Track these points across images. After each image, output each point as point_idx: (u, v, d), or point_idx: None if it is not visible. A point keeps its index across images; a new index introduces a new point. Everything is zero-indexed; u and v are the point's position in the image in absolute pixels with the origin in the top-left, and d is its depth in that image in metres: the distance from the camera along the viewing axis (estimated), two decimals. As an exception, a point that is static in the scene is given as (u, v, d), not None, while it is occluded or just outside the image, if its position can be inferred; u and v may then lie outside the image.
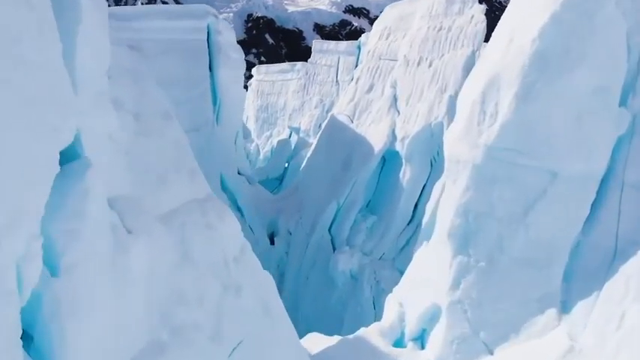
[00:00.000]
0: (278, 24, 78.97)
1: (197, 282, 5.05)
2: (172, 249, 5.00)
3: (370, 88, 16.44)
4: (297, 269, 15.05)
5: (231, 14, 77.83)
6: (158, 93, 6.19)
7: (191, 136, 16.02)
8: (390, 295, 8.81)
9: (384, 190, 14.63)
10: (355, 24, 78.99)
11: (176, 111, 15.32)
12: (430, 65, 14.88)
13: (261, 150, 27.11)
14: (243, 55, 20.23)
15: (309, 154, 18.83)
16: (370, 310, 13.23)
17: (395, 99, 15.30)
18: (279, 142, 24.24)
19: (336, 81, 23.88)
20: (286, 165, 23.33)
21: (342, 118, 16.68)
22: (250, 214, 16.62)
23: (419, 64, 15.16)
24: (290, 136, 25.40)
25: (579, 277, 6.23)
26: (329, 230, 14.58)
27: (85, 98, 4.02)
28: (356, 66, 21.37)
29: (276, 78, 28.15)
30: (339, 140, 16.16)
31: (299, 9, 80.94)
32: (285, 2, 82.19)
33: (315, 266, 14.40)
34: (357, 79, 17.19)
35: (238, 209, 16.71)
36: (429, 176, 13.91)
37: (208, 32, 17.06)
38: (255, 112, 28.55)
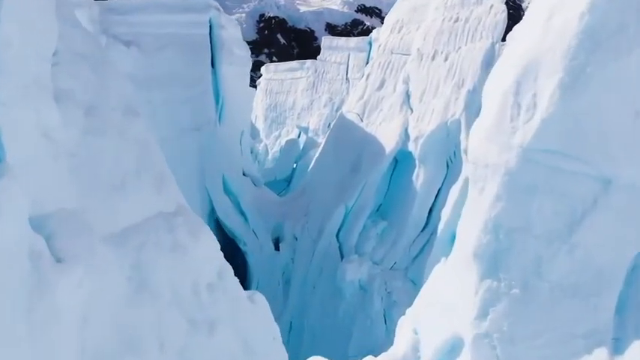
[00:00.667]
0: (290, 24, 77.95)
1: (156, 320, 3.91)
2: (124, 279, 3.87)
3: (381, 85, 15.21)
4: (303, 277, 13.90)
5: (244, 14, 76.99)
6: (122, 84, 5.04)
7: (192, 136, 14.98)
8: (402, 317, 7.60)
9: (395, 194, 13.41)
10: (367, 23, 77.59)
11: (176, 109, 14.29)
12: (446, 59, 13.62)
13: (269, 150, 26.01)
14: (249, 52, 19.13)
15: (316, 155, 17.68)
16: (380, 324, 12.03)
17: (408, 96, 14.07)
18: (287, 142, 23.12)
19: (346, 78, 22.70)
20: (294, 166, 22.21)
21: (352, 117, 15.49)
22: (254, 217, 15.51)
23: (434, 58, 13.90)
24: (299, 136, 24.29)
25: (635, 309, 5.00)
26: (336, 236, 13.41)
27: (8, 86, 3.01)
28: (367, 63, 20.12)
29: (285, 76, 27.03)
30: (348, 140, 14.97)
31: (311, 9, 79.80)
32: (297, 2, 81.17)
33: (321, 275, 13.24)
34: (367, 76, 15.98)
35: (242, 213, 15.62)
36: (444, 179, 12.67)
37: (211, 27, 16.00)
38: (263, 111, 27.48)
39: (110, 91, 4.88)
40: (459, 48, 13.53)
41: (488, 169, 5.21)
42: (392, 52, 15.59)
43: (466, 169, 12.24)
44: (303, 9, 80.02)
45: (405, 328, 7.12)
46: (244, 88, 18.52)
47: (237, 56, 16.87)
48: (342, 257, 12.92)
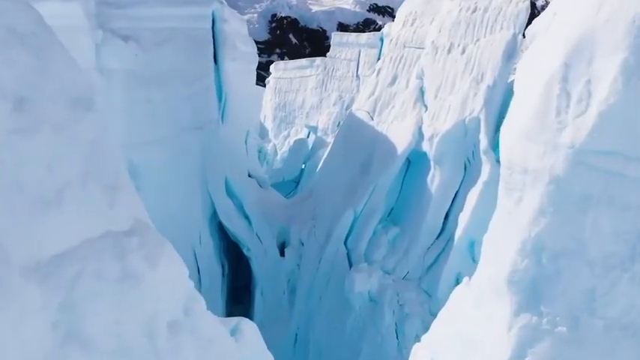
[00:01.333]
0: (302, 24, 76.99)
1: (91, 381, 2.91)
2: (48, 325, 2.87)
3: (393, 81, 14.09)
4: (309, 286, 12.85)
5: (256, 15, 76.23)
6: (71, 71, 4.00)
7: (194, 135, 13.99)
8: (417, 344, 6.50)
9: (408, 198, 12.30)
10: (379, 22, 76.23)
11: (177, 108, 13.30)
12: (463, 52, 12.44)
13: (278, 150, 24.99)
14: (255, 49, 18.12)
15: (324, 156, 16.60)
16: (392, 339, 10.93)
17: (422, 92, 12.92)
18: (295, 141, 22.08)
19: (357, 76, 21.57)
20: (303, 166, 21.17)
21: (361, 115, 14.39)
22: (258, 221, 14.50)
23: (450, 51, 12.74)
24: (308, 136, 23.25)
25: None
26: (345, 243, 12.33)
27: None
28: (378, 59, 18.97)
29: (294, 75, 25.98)
30: (358, 140, 13.88)
31: (323, 8, 78.71)
32: (309, 2, 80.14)
33: (329, 285, 12.17)
34: (378, 71, 14.86)
35: (245, 216, 14.62)
36: (462, 181, 11.52)
37: (213, 21, 15.01)
38: (272, 110, 26.46)
39: (53, 79, 3.82)
40: (477, 40, 12.36)
41: (527, 176, 4.10)
42: (405, 46, 14.45)
43: (486, 172, 11.11)
44: (315, 8, 79.01)
45: (419, 358, 6.02)
46: (250, 85, 17.52)
47: (242, 52, 15.86)
48: (350, 266, 11.84)
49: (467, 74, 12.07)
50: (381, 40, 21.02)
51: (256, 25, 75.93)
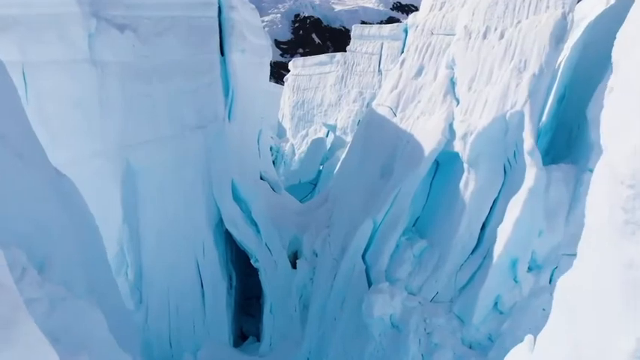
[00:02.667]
0: (325, 23, 75.30)
1: None
2: None
3: (419, 72, 12.18)
4: (322, 305, 11.08)
5: (279, 15, 74.87)
6: None
7: (197, 135, 12.35)
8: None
9: (437, 206, 10.40)
10: (403, 21, 73.85)
11: (179, 104, 11.68)
12: (501, 37, 10.48)
13: (296, 150, 23.30)
14: (269, 42, 16.44)
15: (342, 156, 14.80)
16: (418, 374, 9.08)
17: (452, 83, 11.00)
18: (313, 141, 20.37)
19: (379, 70, 19.67)
20: (320, 168, 19.43)
21: (383, 111, 12.53)
22: (268, 229, 12.81)
23: (485, 35, 10.79)
24: (327, 135, 21.48)
25: None
26: (363, 257, 10.52)
27: None
28: (402, 52, 16.98)
29: (313, 71, 24.25)
30: (378, 139, 12.04)
31: (346, 7, 76.78)
32: (332, 1, 78.34)
33: (344, 305, 10.38)
34: (402, 62, 12.97)
35: (254, 224, 12.95)
36: (501, 188, 9.58)
37: (220, 9, 13.39)
38: (290, 109, 24.79)
39: None
40: (519, 22, 10.38)
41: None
42: (432, 33, 12.53)
43: (531, 176, 9.12)
44: (337, 8, 77.19)
45: None
46: (262, 81, 15.84)
47: (253, 44, 14.19)
48: (369, 284, 10.02)
49: (506, 62, 10.10)
50: (405, 31, 19.01)
51: (279, 26, 74.59)
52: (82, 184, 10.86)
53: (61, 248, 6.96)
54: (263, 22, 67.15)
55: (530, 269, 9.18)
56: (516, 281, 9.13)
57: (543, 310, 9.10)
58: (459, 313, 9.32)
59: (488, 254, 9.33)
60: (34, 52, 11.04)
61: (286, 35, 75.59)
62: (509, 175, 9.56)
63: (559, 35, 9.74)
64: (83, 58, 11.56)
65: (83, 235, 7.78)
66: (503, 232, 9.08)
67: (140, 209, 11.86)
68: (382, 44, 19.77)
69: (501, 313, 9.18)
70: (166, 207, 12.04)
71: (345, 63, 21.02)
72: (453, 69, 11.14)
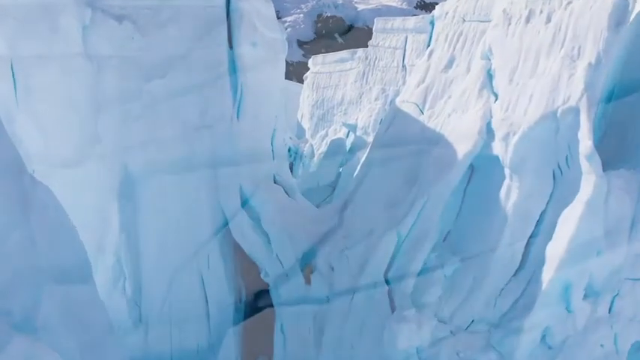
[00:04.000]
0: (347, 22, 73.99)
1: None
2: None
3: (450, 64, 10.63)
4: (339, 329, 9.65)
5: (302, 15, 73.80)
6: None
7: (202, 135, 11.04)
8: None
9: (472, 218, 8.84)
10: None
11: (182, 102, 10.41)
12: (548, 20, 8.86)
13: (315, 151, 21.92)
14: (284, 35, 15.04)
15: (362, 159, 13.35)
16: (450, 417, 7.57)
17: (490, 75, 9.44)
18: (331, 142, 18.99)
19: (403, 66, 18.11)
20: (340, 170, 18.03)
21: (408, 108, 11.00)
22: (279, 239, 11.48)
23: (528, 20, 9.18)
24: (347, 136, 20.04)
25: None
26: (385, 277, 9.04)
27: None
28: (428, 46, 15.29)
29: (333, 69, 22.83)
30: (403, 139, 10.53)
31: (369, 6, 75.25)
32: (355, 0, 76.97)
33: (363, 332, 8.94)
34: (430, 54, 11.43)
35: (265, 233, 11.63)
36: (550, 197, 8.00)
37: (228, -2, 12.06)
38: (309, 108, 23.45)
39: None
40: (569, 3, 8.75)
41: None
42: (464, 20, 10.95)
43: (589, 185, 7.50)
44: (361, 7, 75.73)
45: None
46: (276, 77, 14.46)
47: (265, 36, 12.83)
48: (392, 309, 8.53)
49: (555, 49, 8.50)
50: (432, 23, 17.30)
51: (302, 26, 73.56)
52: (74, 189, 9.80)
53: (20, 269, 5.80)
54: (285, 22, 66.24)
55: (586, 296, 7.63)
56: (569, 310, 7.60)
57: (602, 346, 7.55)
58: (498, 346, 7.77)
59: (535, 277, 7.77)
60: (24, 46, 10.04)
61: (309, 35, 74.50)
62: (560, 183, 7.97)
63: (619, 17, 8.10)
64: (77, 52, 10.49)
65: (58, 249, 6.65)
66: (554, 250, 7.53)
67: (139, 217, 10.79)
68: (406, 37, 18.22)
69: (550, 348, 7.67)
70: (168, 215, 10.94)
71: (366, 58, 19.54)
72: (489, 59, 9.55)
